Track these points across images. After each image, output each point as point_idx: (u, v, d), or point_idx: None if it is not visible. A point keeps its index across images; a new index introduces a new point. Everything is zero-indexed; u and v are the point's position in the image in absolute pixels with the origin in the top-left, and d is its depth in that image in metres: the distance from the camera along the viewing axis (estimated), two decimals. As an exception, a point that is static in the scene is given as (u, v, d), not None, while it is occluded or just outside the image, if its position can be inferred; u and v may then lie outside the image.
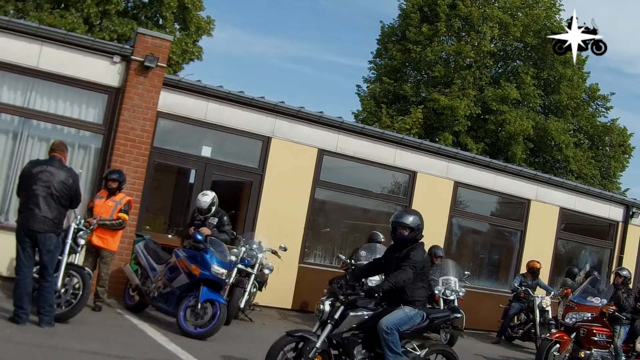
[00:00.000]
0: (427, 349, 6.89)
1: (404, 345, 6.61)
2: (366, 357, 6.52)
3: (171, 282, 9.00)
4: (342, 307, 6.40)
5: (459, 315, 7.74)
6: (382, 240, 11.83)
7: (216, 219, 9.80)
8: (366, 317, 6.50)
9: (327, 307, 6.41)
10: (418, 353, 6.76)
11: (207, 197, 9.76)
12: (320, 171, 12.64)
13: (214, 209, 9.79)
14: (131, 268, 10.10)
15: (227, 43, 52.43)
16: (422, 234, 6.81)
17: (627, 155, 27.41)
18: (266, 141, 12.11)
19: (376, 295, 6.49)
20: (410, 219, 6.70)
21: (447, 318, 7.19)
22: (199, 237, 9.01)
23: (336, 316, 6.36)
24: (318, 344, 6.23)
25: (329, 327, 6.35)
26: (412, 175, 13.58)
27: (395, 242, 6.84)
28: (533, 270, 13.27)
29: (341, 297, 6.42)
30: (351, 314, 6.44)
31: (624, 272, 11.98)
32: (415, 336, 6.88)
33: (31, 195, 7.37)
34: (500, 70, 26.70)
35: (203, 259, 8.84)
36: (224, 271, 8.95)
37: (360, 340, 6.50)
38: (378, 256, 11.14)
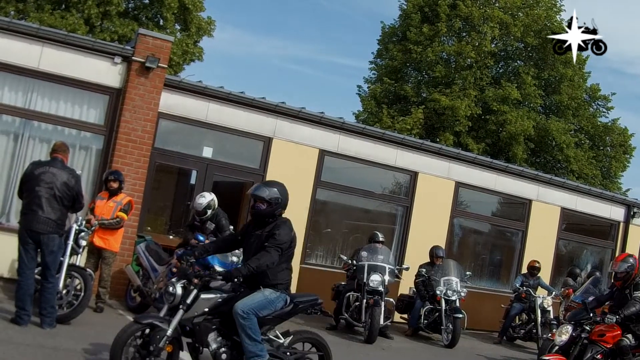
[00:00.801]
0: (292, 336, 6.25)
1: (265, 332, 6.04)
2: (222, 345, 5.90)
3: (173, 283, 8.98)
4: (195, 291, 5.80)
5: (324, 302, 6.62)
6: (382, 239, 11.83)
7: (213, 225, 9.61)
8: (220, 300, 5.91)
9: (178, 289, 5.80)
10: (282, 341, 6.17)
11: (204, 200, 9.55)
12: (322, 172, 12.64)
13: (209, 212, 9.55)
14: (132, 269, 10.10)
15: (228, 44, 52.50)
16: (284, 209, 6.20)
17: (628, 155, 27.42)
18: (267, 142, 12.11)
19: (235, 280, 5.86)
20: (266, 192, 6.05)
21: (314, 303, 6.44)
22: (201, 237, 9.01)
23: (188, 300, 5.75)
24: (169, 332, 5.65)
25: (180, 312, 5.74)
26: (414, 175, 13.58)
27: (253, 217, 6.24)
28: (532, 270, 13.27)
29: (195, 281, 5.83)
30: (202, 296, 5.83)
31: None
32: (278, 322, 6.19)
33: (34, 196, 7.37)
34: (501, 71, 26.71)
35: (204, 260, 8.82)
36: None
37: (214, 327, 5.90)
38: (380, 256, 11.22)
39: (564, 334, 7.90)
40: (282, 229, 6.02)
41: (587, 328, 7.91)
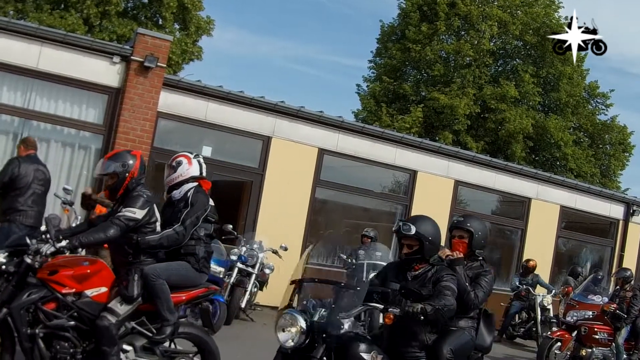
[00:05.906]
0: None
1: None
2: None
3: (169, 284, 8.97)
4: None
5: None
6: (369, 235, 11.81)
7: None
8: None
9: None
10: None
11: None
12: (321, 171, 12.64)
13: None
14: None
15: (231, 44, 52.43)
16: None
17: (628, 154, 27.38)
18: (266, 141, 12.11)
19: None
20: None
21: None
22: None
23: None
24: None
25: None
26: (413, 174, 13.58)
27: None
28: (526, 268, 13.28)
29: None
30: None
31: (627, 273, 11.96)
32: None
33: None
34: (499, 69, 26.69)
35: None
36: (222, 269, 8.93)
37: None
38: (378, 254, 11.19)
39: None
40: None
41: (28, 260, 4.56)
